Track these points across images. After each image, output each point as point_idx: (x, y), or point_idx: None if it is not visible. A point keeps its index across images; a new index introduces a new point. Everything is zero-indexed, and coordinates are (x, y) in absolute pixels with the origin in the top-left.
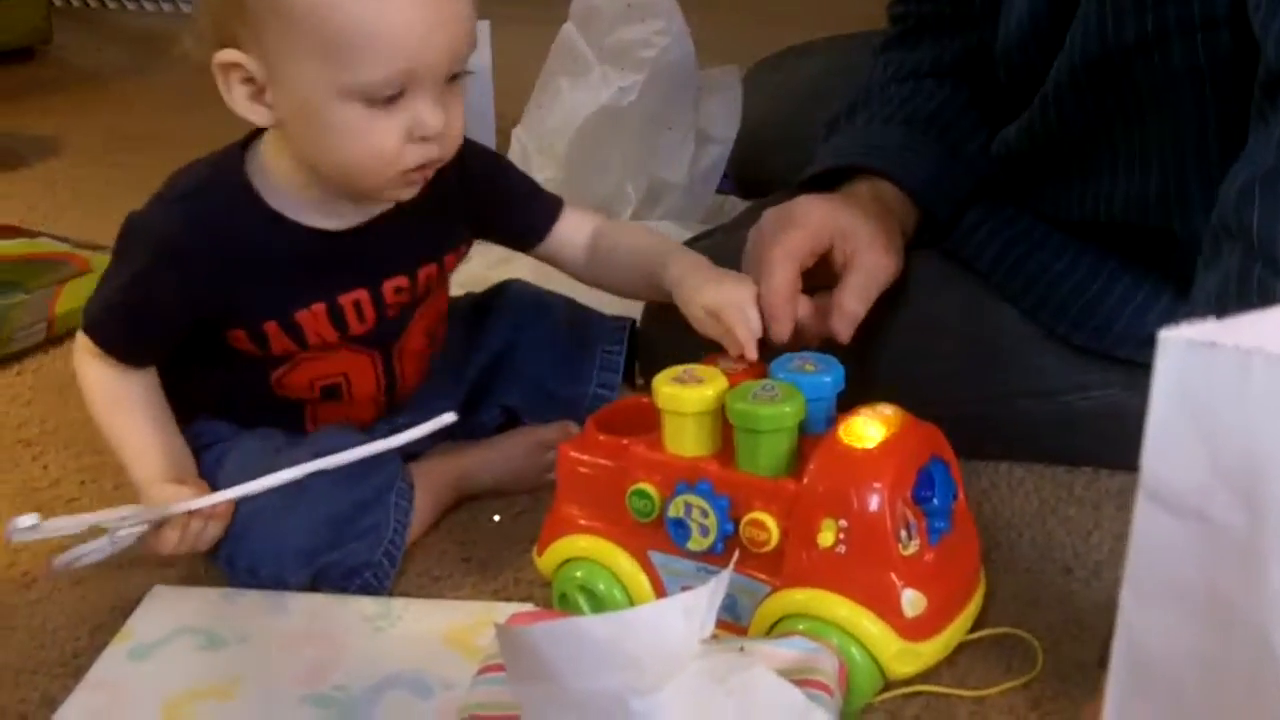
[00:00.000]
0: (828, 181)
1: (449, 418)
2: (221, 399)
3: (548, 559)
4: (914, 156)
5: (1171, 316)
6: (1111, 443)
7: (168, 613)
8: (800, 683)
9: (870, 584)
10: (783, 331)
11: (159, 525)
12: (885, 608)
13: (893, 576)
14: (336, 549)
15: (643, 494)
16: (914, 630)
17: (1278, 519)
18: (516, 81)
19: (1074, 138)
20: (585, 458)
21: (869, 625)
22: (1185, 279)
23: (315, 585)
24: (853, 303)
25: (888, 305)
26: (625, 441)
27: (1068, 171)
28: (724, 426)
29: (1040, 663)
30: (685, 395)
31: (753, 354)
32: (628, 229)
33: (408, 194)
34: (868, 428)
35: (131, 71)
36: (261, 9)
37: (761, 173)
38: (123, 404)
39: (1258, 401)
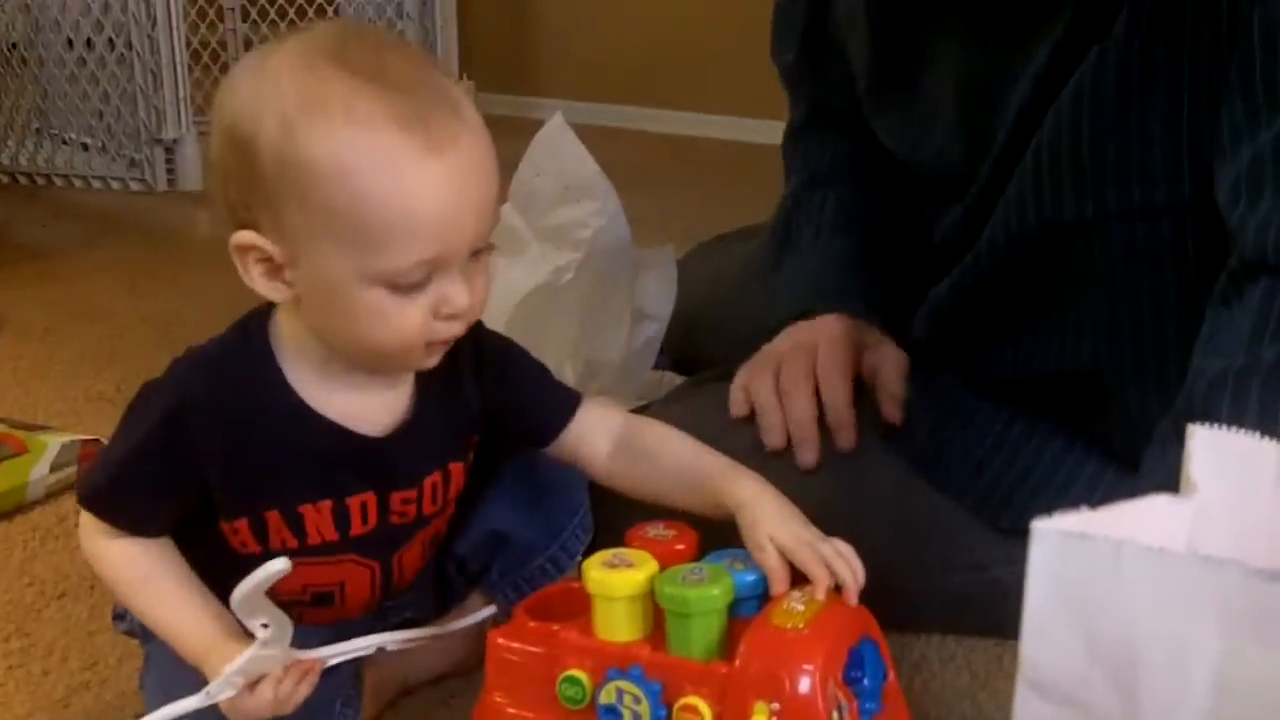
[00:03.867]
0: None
1: (489, 611)
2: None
3: None
4: (867, 291)
5: (1096, 488)
6: None
7: None
8: None
9: None
10: (850, 439)
11: (252, 685)
12: None
13: None
14: None
15: (574, 681)
16: None
17: (1152, 708)
18: None
19: (1005, 303)
20: (515, 645)
21: None
22: (1111, 444)
23: None
24: (898, 387)
25: (819, 479)
26: (555, 627)
27: (999, 333)
28: (655, 610)
29: None
30: (615, 580)
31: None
32: (667, 434)
33: (429, 364)
34: (797, 608)
35: (77, 249)
36: (284, 194)
37: (699, 354)
38: (152, 578)
39: (1130, 591)
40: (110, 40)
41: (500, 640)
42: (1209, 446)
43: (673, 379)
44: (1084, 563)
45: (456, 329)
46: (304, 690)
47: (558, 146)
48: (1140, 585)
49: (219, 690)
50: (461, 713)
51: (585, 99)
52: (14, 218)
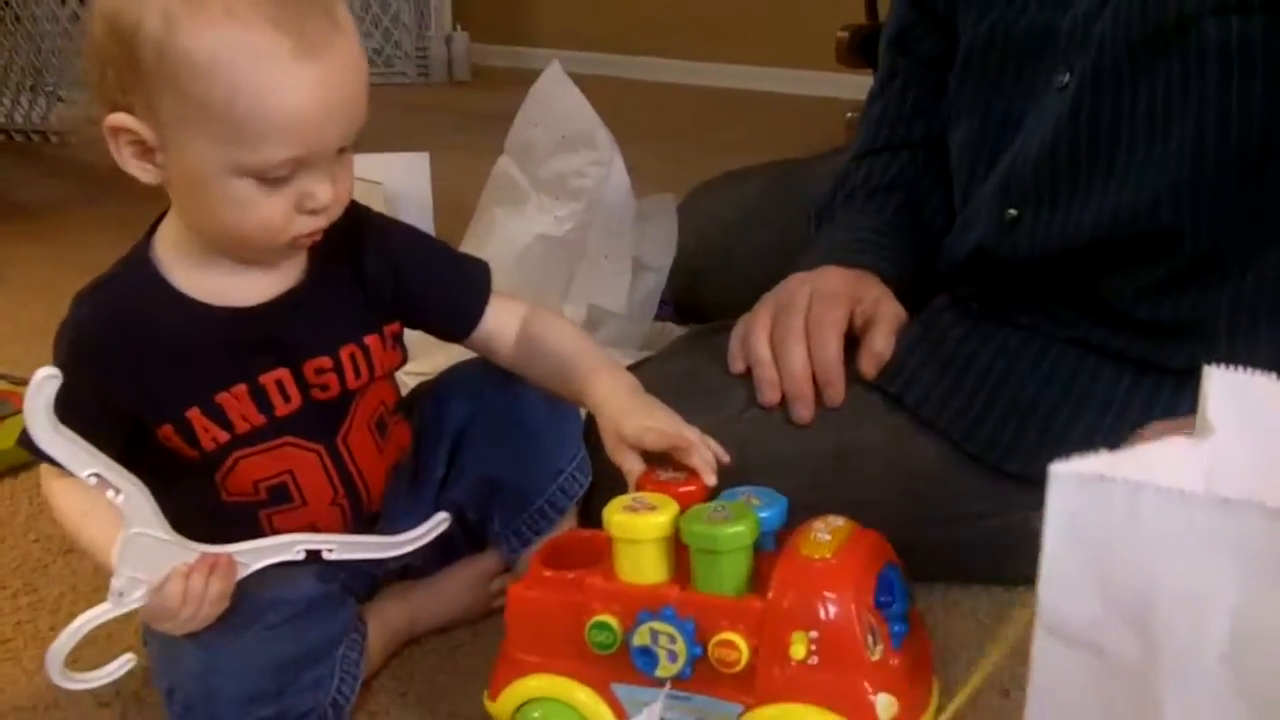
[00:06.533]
0: None
1: (441, 517)
2: (177, 516)
3: (503, 703)
4: (885, 249)
5: (1093, 435)
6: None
7: None
8: None
9: (844, 693)
10: (838, 396)
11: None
12: (861, 715)
13: (865, 683)
14: (279, 699)
15: (604, 626)
16: None
17: (1170, 650)
18: (457, 210)
19: (1105, 133)
20: (537, 596)
21: None
22: (1107, 389)
23: None
24: (882, 344)
25: (812, 434)
26: (576, 574)
27: (1086, 178)
28: (677, 550)
29: None
30: (641, 523)
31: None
32: (554, 325)
33: (292, 257)
34: (823, 538)
35: (74, 205)
36: (161, 84)
37: (700, 297)
38: (89, 514)
39: (1148, 534)
40: None
41: (522, 593)
42: (1225, 388)
43: (673, 329)
44: (1102, 505)
45: (319, 223)
46: (217, 585)
47: (556, 96)
48: (1158, 527)
49: (123, 588)
50: (469, 663)
51: (581, 49)
52: (11, 175)
